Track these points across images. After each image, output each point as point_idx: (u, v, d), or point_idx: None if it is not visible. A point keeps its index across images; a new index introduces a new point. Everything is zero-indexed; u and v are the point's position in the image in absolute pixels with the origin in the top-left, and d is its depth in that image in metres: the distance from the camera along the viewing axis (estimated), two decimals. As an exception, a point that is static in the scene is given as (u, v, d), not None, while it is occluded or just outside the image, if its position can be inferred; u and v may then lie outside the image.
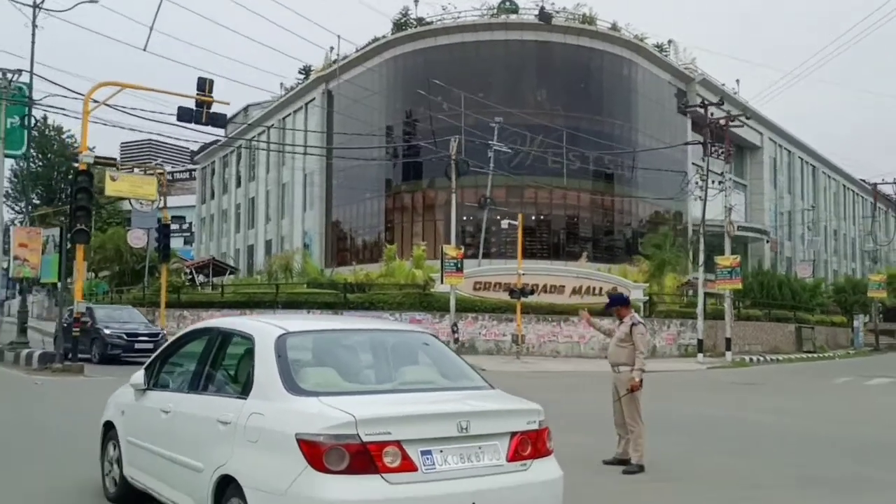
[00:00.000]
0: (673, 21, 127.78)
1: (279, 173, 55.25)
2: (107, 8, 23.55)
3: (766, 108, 53.62)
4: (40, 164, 60.31)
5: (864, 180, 56.46)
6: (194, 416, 4.92)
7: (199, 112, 18.89)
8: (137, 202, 33.69)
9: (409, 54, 43.39)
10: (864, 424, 12.38)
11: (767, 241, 51.62)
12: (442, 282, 25.65)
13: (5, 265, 22.95)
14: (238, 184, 62.77)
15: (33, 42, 20.52)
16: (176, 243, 50.33)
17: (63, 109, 34.53)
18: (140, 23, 32.33)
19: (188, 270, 41.02)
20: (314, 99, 50.77)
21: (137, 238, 37.74)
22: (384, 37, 44.78)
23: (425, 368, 5.08)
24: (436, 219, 41.65)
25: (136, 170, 34.62)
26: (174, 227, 42.83)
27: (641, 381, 7.97)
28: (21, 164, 51.10)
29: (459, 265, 25.26)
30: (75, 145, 57.89)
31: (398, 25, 44.91)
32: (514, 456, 4.34)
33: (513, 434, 4.37)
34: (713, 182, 30.32)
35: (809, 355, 33.40)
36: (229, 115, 31.55)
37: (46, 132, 60.85)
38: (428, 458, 4.03)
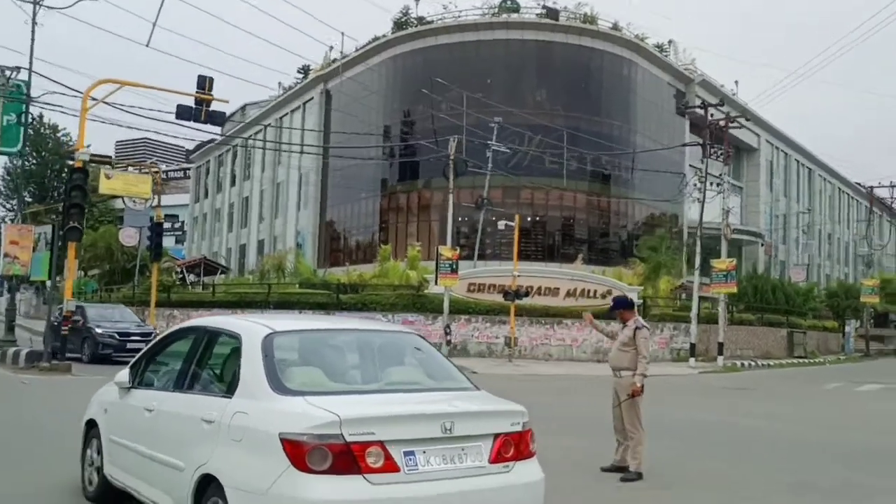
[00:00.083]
0: (673, 21, 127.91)
1: (274, 172, 55.13)
2: (108, 2, 23.42)
3: (765, 110, 53.91)
4: (34, 162, 60.12)
5: (859, 184, 56.52)
6: (178, 414, 4.89)
7: (199, 110, 18.87)
8: (131, 200, 33.53)
9: (408, 53, 43.30)
10: (855, 430, 12.36)
11: (762, 245, 51.64)
12: (436, 283, 25.56)
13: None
14: (233, 183, 62.64)
15: (33, 39, 20.34)
16: (167, 242, 50.10)
17: (61, 107, 34.47)
18: (143, 18, 32.20)
19: (179, 270, 40.85)
20: (312, 98, 50.69)
21: (129, 236, 37.59)
22: (384, 36, 44.70)
23: (411, 369, 5.07)
24: (431, 219, 41.56)
25: (130, 168, 34.45)
26: (166, 225, 42.69)
27: (643, 386, 7.85)
28: (14, 161, 50.92)
29: (454, 266, 25.19)
30: (70, 143, 57.70)
31: (398, 24, 44.84)
32: (497, 458, 4.34)
33: (496, 435, 4.37)
34: (711, 184, 30.32)
35: (800, 360, 33.37)
36: (227, 113, 31.40)
37: (42, 130, 60.68)
38: (411, 459, 4.02)
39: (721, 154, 30.73)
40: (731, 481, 7.85)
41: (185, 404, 4.88)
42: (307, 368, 4.65)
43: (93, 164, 22.19)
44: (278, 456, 3.87)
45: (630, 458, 7.78)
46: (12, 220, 40.17)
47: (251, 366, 4.45)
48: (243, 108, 60.32)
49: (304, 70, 53.73)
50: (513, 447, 4.42)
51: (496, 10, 43.04)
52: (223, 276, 45.12)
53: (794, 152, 61.40)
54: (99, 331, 20.01)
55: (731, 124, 31.18)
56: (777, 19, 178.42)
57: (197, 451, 4.44)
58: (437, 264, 25.38)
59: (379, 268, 33.64)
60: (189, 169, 75.62)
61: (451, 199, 26.90)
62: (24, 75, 20.27)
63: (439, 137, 31.16)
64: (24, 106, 21.14)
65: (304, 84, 52.05)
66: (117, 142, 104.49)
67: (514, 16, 42.81)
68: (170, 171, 78.39)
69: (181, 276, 39.71)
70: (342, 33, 59.38)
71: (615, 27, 43.52)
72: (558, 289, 29.59)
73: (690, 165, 41.30)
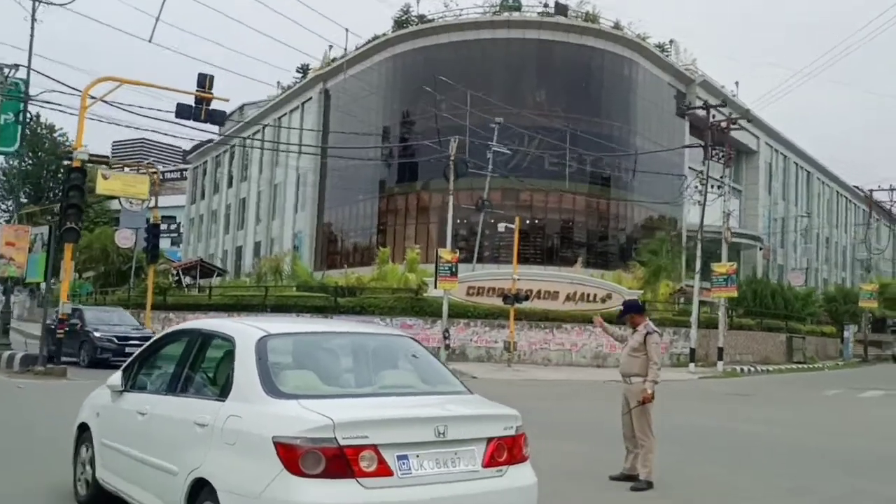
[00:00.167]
0: (674, 21, 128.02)
1: (272, 173, 54.93)
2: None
3: (764, 112, 53.47)
4: (30, 162, 59.89)
5: (857, 187, 56.45)
6: (171, 417, 4.87)
7: (199, 109, 18.69)
8: (127, 201, 33.40)
9: (408, 53, 43.12)
10: (858, 437, 12.29)
11: (761, 249, 51.57)
12: (436, 286, 25.38)
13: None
14: (230, 184, 62.42)
15: (32, 36, 20.18)
16: (163, 244, 49.92)
17: (59, 105, 34.22)
18: (145, 13, 31.91)
19: (175, 272, 40.66)
20: (311, 98, 50.50)
21: (125, 238, 37.39)
22: (384, 35, 44.51)
23: (405, 373, 5.06)
24: (429, 222, 41.38)
25: (126, 169, 34.29)
26: (162, 227, 42.55)
27: (654, 393, 7.70)
28: (10, 161, 50.69)
29: (454, 269, 25.02)
30: (67, 143, 57.52)
31: (399, 23, 44.67)
32: (491, 462, 4.33)
33: (489, 440, 4.36)
34: (712, 186, 30.19)
35: (800, 366, 33.32)
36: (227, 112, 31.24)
37: (38, 130, 60.44)
38: (404, 463, 4.03)
39: (722, 156, 30.61)
40: (731, 487, 7.77)
41: (179, 408, 4.85)
42: (301, 372, 4.63)
43: (90, 165, 22.04)
44: (272, 460, 3.86)
45: (640, 467, 7.62)
46: (8, 221, 39.98)
47: (245, 369, 4.43)
48: (241, 107, 60.14)
49: (303, 69, 53.54)
50: (506, 451, 4.41)
51: (497, 8, 42.89)
52: (219, 278, 44.95)
53: (793, 155, 61.33)
54: (97, 334, 19.74)
55: (731, 126, 31.04)
56: (777, 19, 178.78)
57: (190, 455, 4.42)
58: (436, 267, 25.20)
59: (377, 271, 33.45)
60: (186, 170, 75.40)
61: (452, 202, 26.72)
62: (22, 73, 20.13)
63: (439, 138, 30.97)
64: (21, 104, 20.99)
65: (303, 84, 51.87)
66: (114, 142, 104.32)
67: (516, 14, 42.66)
68: (166, 171, 78.11)
69: (177, 278, 39.55)
70: (346, 30, 59.26)
71: (617, 26, 43.36)
72: (558, 292, 29.46)
73: (690, 167, 41.19)
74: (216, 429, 4.30)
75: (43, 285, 21.51)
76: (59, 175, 61.05)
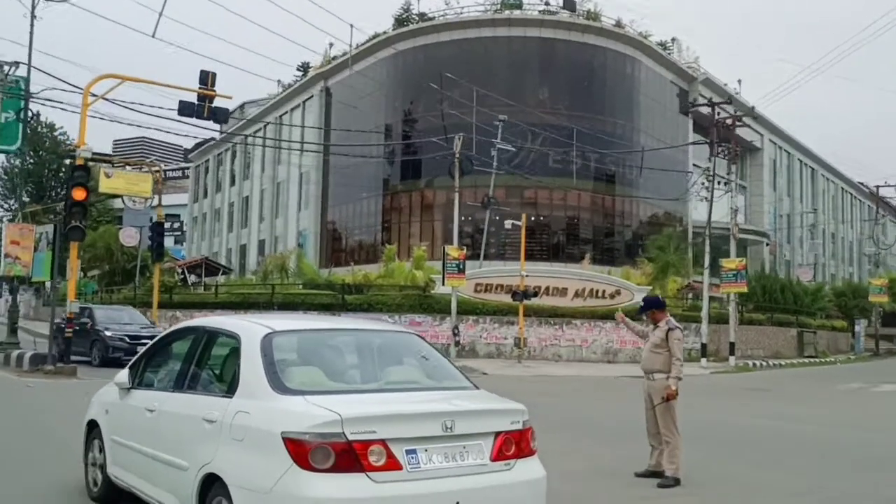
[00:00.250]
0: (676, 20, 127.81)
1: (275, 171, 54.71)
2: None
3: (767, 109, 53.27)
4: (31, 161, 59.58)
5: (862, 183, 56.29)
6: (179, 414, 4.91)
7: (201, 106, 18.48)
8: (131, 200, 33.10)
9: (409, 51, 42.89)
10: (881, 432, 12.10)
11: (767, 244, 51.38)
12: (443, 283, 25.20)
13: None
14: (232, 182, 62.21)
15: (31, 33, 19.96)
16: (167, 242, 49.72)
17: (60, 103, 33.87)
18: (148, 7, 31.62)
19: (180, 270, 40.39)
20: (312, 96, 50.27)
21: (129, 236, 37.14)
22: (385, 33, 44.26)
23: (410, 368, 5.10)
24: (434, 219, 41.17)
25: (127, 167, 34.05)
26: (165, 226, 42.34)
27: (677, 389, 7.57)
28: (12, 160, 50.47)
29: (461, 266, 24.84)
30: (68, 142, 57.22)
31: (399, 21, 44.41)
32: (498, 455, 4.37)
33: (497, 434, 4.40)
34: (718, 183, 30.01)
35: (811, 360, 33.16)
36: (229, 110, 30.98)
37: (39, 129, 60.09)
38: (413, 457, 4.06)
39: (728, 153, 30.44)
40: (760, 486, 7.60)
41: (187, 404, 4.89)
42: (306, 368, 4.67)
43: (92, 163, 21.79)
44: (281, 455, 3.90)
45: (667, 463, 7.52)
46: (11, 220, 39.71)
47: (251, 365, 4.47)
48: (242, 106, 59.85)
49: (304, 67, 53.23)
50: (514, 445, 4.45)
51: (498, 6, 42.67)
52: (224, 276, 44.70)
53: (797, 152, 61.20)
54: (108, 333, 19.49)
55: (737, 123, 30.88)
56: (777, 20, 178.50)
57: (200, 451, 4.46)
58: (443, 264, 25.03)
59: (384, 268, 33.26)
60: (188, 168, 75.11)
61: (458, 199, 26.55)
62: (22, 70, 19.87)
63: (441, 136, 30.73)
64: (22, 102, 20.73)
65: (304, 82, 51.62)
66: (115, 141, 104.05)
67: (517, 12, 42.44)
68: (168, 170, 77.81)
69: (182, 276, 39.27)
70: (351, 25, 58.90)
71: (618, 24, 43.19)
72: (566, 289, 29.24)
73: (695, 164, 41.01)
74: (225, 425, 4.34)
75: (48, 284, 21.23)
76: (61, 174, 60.78)
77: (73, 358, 17.49)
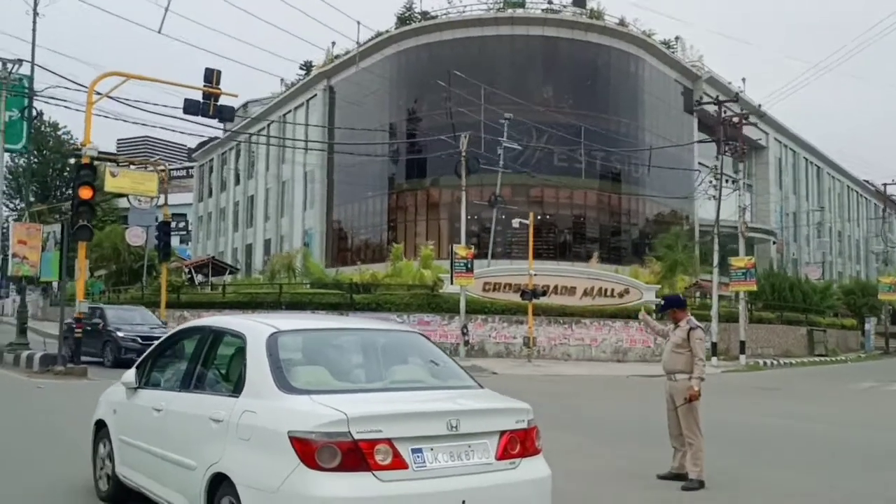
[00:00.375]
0: (679, 18, 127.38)
1: (279, 170, 54.60)
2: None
3: (773, 109, 53.11)
4: (36, 160, 59.54)
5: (869, 181, 56.05)
6: (186, 414, 4.93)
7: (206, 105, 18.42)
8: (136, 199, 32.97)
9: (412, 49, 42.81)
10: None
11: (774, 243, 51.19)
12: (452, 282, 25.05)
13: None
14: (237, 181, 62.11)
15: (34, 31, 19.90)
16: (173, 242, 49.73)
17: (65, 101, 33.78)
18: (154, 2, 31.51)
19: (187, 270, 40.32)
20: (316, 95, 50.15)
21: (136, 236, 37.05)
22: (387, 31, 44.13)
23: (415, 367, 5.10)
24: (440, 218, 41.06)
25: (132, 166, 33.92)
26: (171, 225, 42.26)
27: (700, 390, 7.44)
28: (17, 160, 50.40)
29: (470, 265, 24.70)
30: (72, 141, 57.19)
31: (402, 19, 44.28)
32: (504, 454, 4.38)
33: (502, 433, 4.41)
34: (726, 181, 29.87)
35: (822, 359, 33.00)
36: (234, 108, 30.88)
37: (42, 128, 60.03)
38: (419, 456, 4.07)
39: (735, 151, 30.31)
40: (785, 487, 7.47)
41: (193, 404, 4.91)
42: (312, 367, 4.69)
43: (97, 162, 21.68)
44: (288, 454, 3.92)
45: (691, 465, 7.37)
46: (18, 220, 39.65)
47: (256, 365, 4.49)
48: (245, 105, 59.75)
49: (307, 66, 53.07)
50: (519, 444, 4.45)
51: (501, 4, 42.53)
52: (231, 276, 44.65)
53: (803, 150, 61.07)
54: (120, 334, 19.24)
55: (743, 121, 30.75)
56: (779, 19, 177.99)
57: (208, 450, 4.48)
58: (451, 263, 24.90)
59: (391, 267, 33.10)
60: (191, 168, 75.05)
61: (465, 197, 26.42)
62: (25, 68, 19.78)
63: (446, 134, 30.58)
64: (26, 100, 20.64)
65: (308, 80, 51.49)
66: (118, 140, 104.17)
67: (520, 11, 42.30)
68: (172, 169, 77.77)
69: (189, 276, 39.20)
70: (358, 22, 58.54)
71: (622, 23, 43.03)
72: (575, 288, 29.07)
73: (700, 163, 40.83)
74: (231, 424, 4.36)
75: (55, 284, 21.13)
76: (66, 173, 60.78)
77: (84, 359, 17.38)
